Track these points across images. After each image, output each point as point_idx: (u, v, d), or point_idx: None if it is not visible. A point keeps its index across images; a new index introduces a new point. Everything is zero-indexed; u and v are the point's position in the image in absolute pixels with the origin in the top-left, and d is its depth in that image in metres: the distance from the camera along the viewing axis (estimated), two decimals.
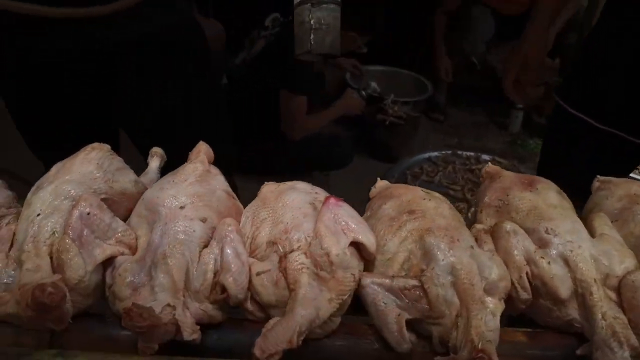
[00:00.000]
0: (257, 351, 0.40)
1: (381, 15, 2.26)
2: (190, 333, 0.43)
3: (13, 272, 0.46)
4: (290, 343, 0.40)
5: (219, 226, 0.47)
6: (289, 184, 0.54)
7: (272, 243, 0.48)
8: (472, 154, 2.19)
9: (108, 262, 0.47)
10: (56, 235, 0.46)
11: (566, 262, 0.47)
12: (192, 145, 0.57)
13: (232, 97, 1.90)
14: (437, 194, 0.54)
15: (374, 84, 2.30)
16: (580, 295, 0.45)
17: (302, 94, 1.82)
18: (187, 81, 1.03)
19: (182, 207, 0.48)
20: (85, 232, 0.46)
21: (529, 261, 0.47)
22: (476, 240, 0.50)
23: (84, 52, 0.87)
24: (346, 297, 0.45)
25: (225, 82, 1.99)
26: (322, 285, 0.45)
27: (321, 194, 0.53)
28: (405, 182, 1.62)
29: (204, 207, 0.49)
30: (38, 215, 0.47)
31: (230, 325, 0.46)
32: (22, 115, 1.01)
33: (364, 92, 2.15)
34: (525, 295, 0.47)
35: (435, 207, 0.50)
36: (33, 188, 0.51)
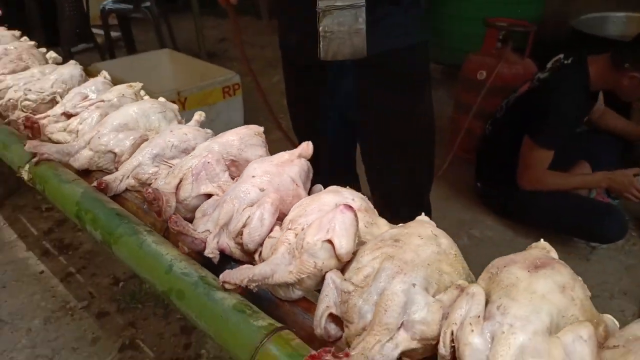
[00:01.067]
0: (221, 276, 0.57)
1: None
2: (210, 252, 0.63)
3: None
4: (240, 282, 0.55)
5: (263, 197, 0.65)
6: (336, 188, 0.66)
7: (290, 221, 0.63)
8: None
9: (207, 196, 0.72)
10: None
11: (492, 340, 0.44)
12: None
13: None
14: (445, 240, 0.56)
15: None
16: None
17: (548, 149, 1.70)
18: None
19: (253, 176, 0.68)
20: (201, 173, 0.72)
21: (461, 323, 0.46)
22: (445, 289, 0.51)
23: None
24: (304, 276, 0.56)
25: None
26: (291, 260, 0.57)
27: (351, 201, 0.63)
28: None
29: (267, 182, 0.67)
30: (190, 157, 0.76)
31: (241, 263, 0.64)
32: None
33: None
34: (443, 350, 0.47)
35: (418, 246, 0.54)
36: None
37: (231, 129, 0.80)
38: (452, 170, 2.34)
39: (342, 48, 0.78)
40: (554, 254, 0.54)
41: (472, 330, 0.45)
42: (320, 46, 0.80)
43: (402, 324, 0.48)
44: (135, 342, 1.68)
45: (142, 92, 1.08)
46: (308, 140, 0.72)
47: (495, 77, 2.22)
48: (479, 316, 0.46)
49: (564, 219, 1.88)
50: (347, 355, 0.46)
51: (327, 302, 0.53)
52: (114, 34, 4.49)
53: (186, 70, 2.88)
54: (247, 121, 2.73)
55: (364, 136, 1.41)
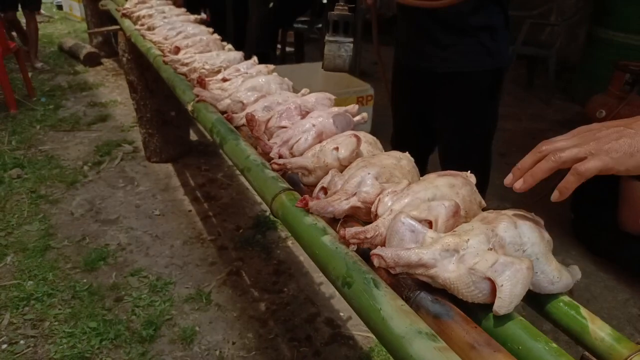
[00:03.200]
0: (273, 162, 0.95)
1: None
2: (274, 154, 1.01)
3: None
4: (283, 163, 0.93)
5: (311, 129, 1.02)
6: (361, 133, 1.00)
7: (324, 142, 0.98)
8: None
9: (284, 127, 1.11)
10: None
11: (394, 200, 0.74)
12: None
13: None
14: (406, 161, 0.87)
15: None
16: None
17: None
18: None
19: (311, 117, 1.06)
20: (283, 114, 1.12)
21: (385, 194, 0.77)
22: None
23: None
24: (317, 166, 0.91)
25: None
26: (314, 157, 0.93)
27: (362, 136, 0.96)
28: None
29: (318, 122, 1.04)
30: (281, 104, 1.17)
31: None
32: None
33: None
34: (373, 208, 0.78)
35: (383, 159, 0.86)
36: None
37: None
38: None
39: (329, 65, 1.23)
40: (472, 178, 0.81)
41: (387, 196, 0.76)
42: (323, 61, 1.29)
43: (355, 193, 0.81)
44: (240, 271, 2.16)
45: (275, 72, 1.53)
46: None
47: (613, 117, 2.27)
48: (395, 191, 0.77)
49: None
50: (318, 198, 0.81)
51: (323, 182, 0.88)
52: (289, 49, 5.30)
53: (333, 80, 3.40)
54: (374, 128, 3.13)
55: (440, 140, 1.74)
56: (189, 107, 1.38)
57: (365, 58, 4.99)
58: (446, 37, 1.55)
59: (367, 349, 1.74)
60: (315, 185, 0.92)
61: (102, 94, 4.32)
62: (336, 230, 0.79)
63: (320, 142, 1.01)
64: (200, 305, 1.95)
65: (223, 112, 1.33)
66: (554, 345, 0.57)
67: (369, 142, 0.97)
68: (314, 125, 1.04)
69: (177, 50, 1.83)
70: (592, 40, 3.98)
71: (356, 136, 0.93)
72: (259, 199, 2.70)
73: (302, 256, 2.24)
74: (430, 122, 1.74)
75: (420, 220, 0.68)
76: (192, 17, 2.36)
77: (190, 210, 2.63)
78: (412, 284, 0.66)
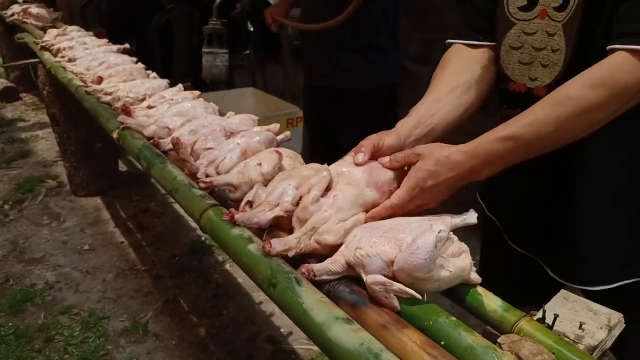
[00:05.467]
0: (201, 178, 1.00)
1: None
2: (200, 175, 1.06)
3: None
4: (210, 181, 0.98)
5: (235, 148, 1.08)
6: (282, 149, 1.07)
7: (247, 160, 1.04)
8: None
9: (209, 149, 1.16)
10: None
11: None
12: None
13: None
14: (325, 171, 0.95)
15: None
16: None
17: None
18: None
19: (234, 137, 1.11)
20: (209, 136, 1.17)
21: None
22: None
23: None
24: (242, 182, 0.97)
25: None
26: (239, 174, 0.99)
27: (283, 151, 1.03)
28: None
29: (243, 141, 1.10)
30: (205, 127, 1.22)
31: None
32: None
33: None
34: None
35: (302, 170, 0.93)
36: None
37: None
38: None
39: (207, 74, 1.37)
40: None
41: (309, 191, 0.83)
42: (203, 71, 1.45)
43: (277, 203, 0.87)
44: (177, 299, 2.14)
45: (200, 98, 1.58)
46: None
47: None
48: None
49: None
50: (244, 210, 0.86)
51: (249, 196, 0.93)
52: None
53: (262, 104, 3.48)
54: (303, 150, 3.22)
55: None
56: (114, 135, 1.39)
57: (298, 83, 5.12)
58: (341, 57, 1.77)
59: None
60: (241, 201, 0.97)
61: (21, 129, 4.13)
62: (262, 239, 0.85)
63: (245, 159, 1.07)
64: (136, 337, 1.91)
65: (149, 138, 1.36)
66: (453, 318, 0.66)
67: (289, 156, 1.04)
68: (238, 144, 1.10)
69: (99, 80, 1.83)
70: None
71: (277, 152, 1.00)
72: (193, 225, 2.69)
73: (241, 277, 2.26)
74: (337, 136, 1.88)
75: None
76: (115, 47, 2.36)
77: (122, 242, 2.57)
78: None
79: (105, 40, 2.54)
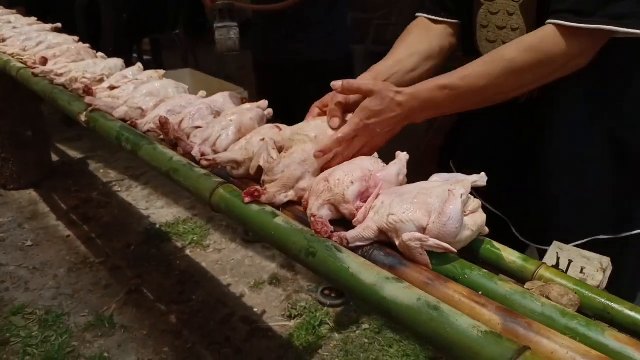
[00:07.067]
0: (201, 157, 0.98)
1: None
2: (195, 153, 1.03)
3: None
4: (213, 159, 0.96)
5: (230, 125, 1.06)
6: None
7: (248, 136, 1.03)
8: None
9: (198, 127, 1.13)
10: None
11: None
12: None
13: None
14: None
15: None
16: None
17: None
18: None
19: (227, 114, 1.10)
20: (195, 115, 1.14)
21: None
22: None
23: None
24: (247, 157, 0.96)
25: None
26: (242, 149, 0.98)
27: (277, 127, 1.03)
28: None
29: (235, 118, 1.09)
30: (190, 106, 1.18)
31: None
32: None
33: None
34: None
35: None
36: None
37: None
38: None
39: (222, 47, 1.38)
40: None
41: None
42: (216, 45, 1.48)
43: (293, 186, 0.88)
44: (140, 288, 2.07)
45: (164, 78, 1.52)
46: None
47: None
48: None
49: None
50: (265, 190, 0.86)
51: (259, 161, 0.93)
52: (146, 57, 5.07)
53: (203, 86, 3.36)
54: None
55: None
56: (82, 118, 1.31)
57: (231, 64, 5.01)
58: (297, 32, 1.83)
59: (287, 336, 1.81)
60: (244, 178, 0.97)
61: None
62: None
63: (241, 136, 1.05)
64: (103, 330, 1.83)
65: (122, 121, 1.29)
66: (485, 270, 0.72)
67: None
68: (231, 121, 1.08)
69: (44, 61, 1.70)
70: None
71: (278, 127, 1.00)
72: (145, 213, 2.60)
73: (205, 262, 2.22)
74: (294, 112, 1.91)
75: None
76: (48, 26, 2.19)
77: (68, 236, 2.42)
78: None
79: (34, 19, 2.34)
